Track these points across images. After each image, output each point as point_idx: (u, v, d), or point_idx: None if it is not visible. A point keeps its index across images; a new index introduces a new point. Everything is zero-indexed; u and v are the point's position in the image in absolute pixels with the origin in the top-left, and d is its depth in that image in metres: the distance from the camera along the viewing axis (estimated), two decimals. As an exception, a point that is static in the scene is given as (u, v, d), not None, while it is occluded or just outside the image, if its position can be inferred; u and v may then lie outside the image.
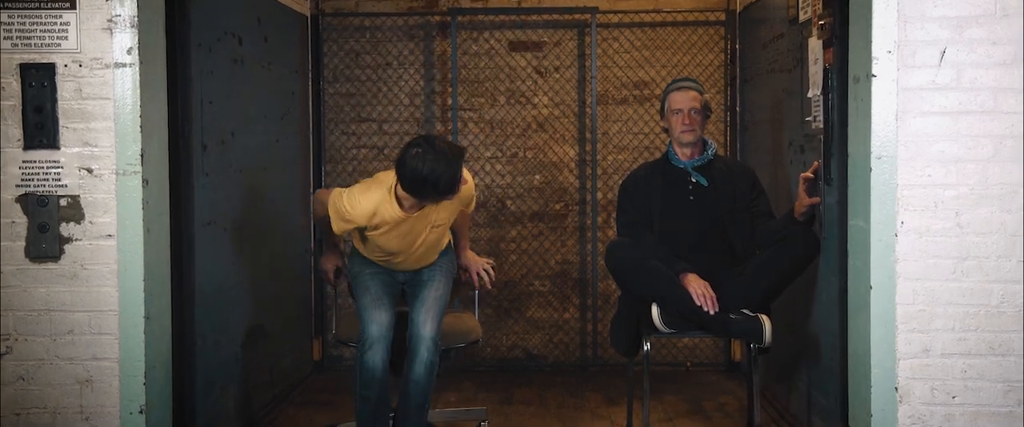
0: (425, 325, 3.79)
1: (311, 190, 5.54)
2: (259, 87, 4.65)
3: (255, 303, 4.54)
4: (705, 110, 4.14)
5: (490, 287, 4.23)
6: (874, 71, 3.20)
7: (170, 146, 3.53)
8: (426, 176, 3.50)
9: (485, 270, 4.18)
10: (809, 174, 3.91)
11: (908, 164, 3.20)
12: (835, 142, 3.69)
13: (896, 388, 3.20)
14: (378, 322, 3.78)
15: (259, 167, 4.64)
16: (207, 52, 3.98)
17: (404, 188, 3.60)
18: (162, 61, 3.43)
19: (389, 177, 3.73)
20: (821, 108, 3.84)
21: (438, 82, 5.71)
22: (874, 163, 3.21)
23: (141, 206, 3.25)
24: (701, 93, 4.15)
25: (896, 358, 3.21)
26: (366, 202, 3.70)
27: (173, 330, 3.51)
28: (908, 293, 3.21)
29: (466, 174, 3.72)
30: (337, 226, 3.78)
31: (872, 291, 3.21)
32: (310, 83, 5.57)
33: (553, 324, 5.74)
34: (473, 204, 4.09)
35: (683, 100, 4.12)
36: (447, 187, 3.57)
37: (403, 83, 5.71)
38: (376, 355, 3.74)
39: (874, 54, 3.20)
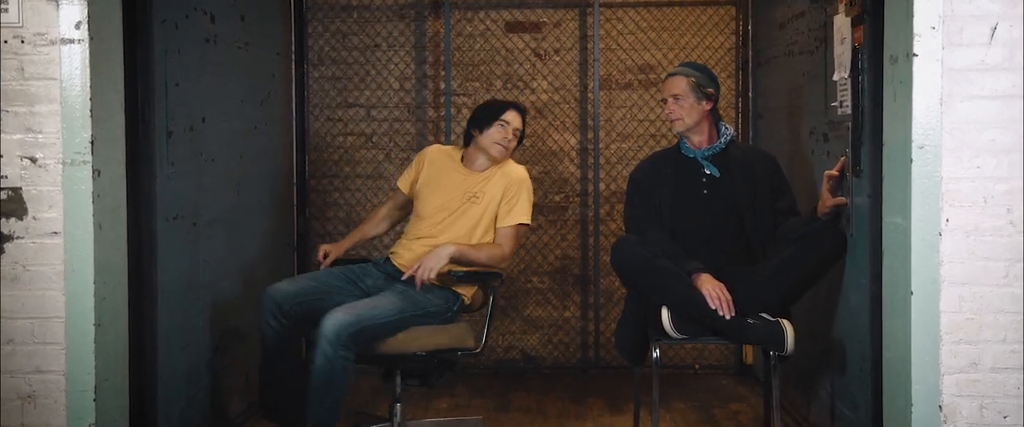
0: (330, 316, 3.45)
1: (294, 180, 5.19)
2: (235, 69, 4.29)
3: (230, 303, 4.18)
4: (697, 93, 3.80)
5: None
6: (915, 49, 2.85)
7: (129, 133, 3.18)
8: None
9: (424, 274, 3.69)
10: (834, 172, 3.56)
11: (954, 154, 2.85)
12: (866, 130, 3.33)
13: (940, 406, 2.85)
14: (275, 290, 3.66)
15: (235, 156, 4.27)
16: (173, 29, 3.62)
17: (477, 115, 4.02)
18: (118, 38, 3.07)
19: None
20: (849, 92, 3.49)
21: (430, 65, 5.36)
22: (915, 153, 2.85)
23: (91, 199, 2.90)
24: (688, 76, 3.83)
25: (940, 372, 2.86)
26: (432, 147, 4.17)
27: (131, 337, 3.16)
28: (953, 299, 2.86)
29: (522, 169, 4.01)
30: (403, 179, 4.12)
31: (913, 297, 2.86)
32: (293, 66, 5.20)
33: (552, 323, 5.40)
34: (518, 210, 3.91)
35: (666, 88, 3.89)
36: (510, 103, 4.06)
37: (393, 66, 5.35)
38: (264, 319, 3.64)
39: (916, 30, 2.85)
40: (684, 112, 3.80)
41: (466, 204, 3.92)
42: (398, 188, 4.16)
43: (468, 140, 4.04)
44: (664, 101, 3.86)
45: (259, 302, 3.65)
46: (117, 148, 3.05)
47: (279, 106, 4.94)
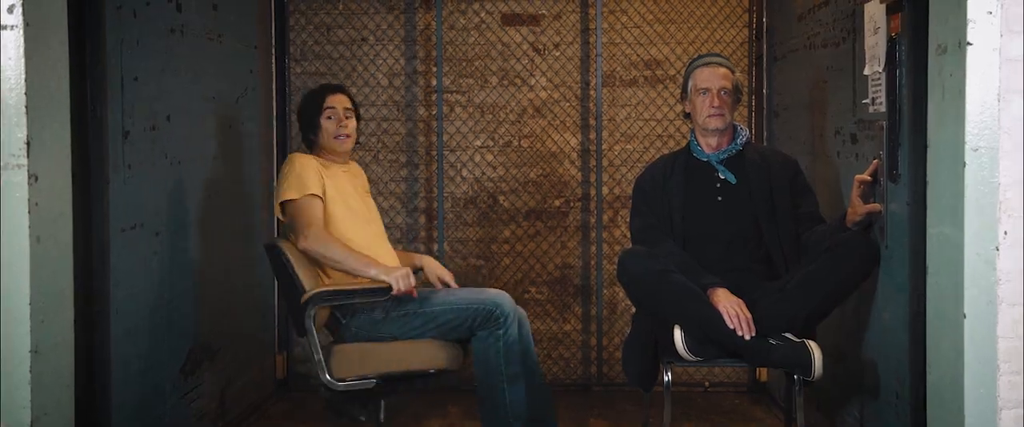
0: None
1: (273, 184, 4.83)
2: (206, 63, 3.93)
3: (199, 318, 3.82)
4: (736, 92, 3.53)
5: None
6: (969, 38, 2.49)
7: (77, 133, 2.81)
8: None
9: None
10: (867, 176, 3.20)
11: (1012, 157, 2.49)
12: (905, 129, 2.98)
13: (998, 446, 2.50)
14: None
15: (205, 157, 3.92)
16: (131, 17, 3.26)
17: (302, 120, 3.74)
18: (61, 25, 2.69)
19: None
20: (883, 88, 3.13)
21: (421, 60, 5.00)
22: (969, 156, 2.49)
23: (28, 208, 2.52)
24: (733, 71, 3.52)
25: (997, 406, 2.50)
26: (303, 159, 3.59)
27: (80, 364, 2.78)
28: (1011, 323, 2.49)
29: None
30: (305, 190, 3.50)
31: (966, 320, 2.50)
32: (273, 60, 4.85)
33: (552, 337, 5.04)
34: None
35: (712, 78, 3.47)
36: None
37: (381, 62, 4.99)
38: None
39: (970, 16, 2.48)
40: (727, 108, 3.47)
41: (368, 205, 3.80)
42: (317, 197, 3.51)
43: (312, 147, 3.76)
44: (704, 91, 3.48)
45: None
46: (60, 150, 2.67)
47: (258, 103, 4.58)
